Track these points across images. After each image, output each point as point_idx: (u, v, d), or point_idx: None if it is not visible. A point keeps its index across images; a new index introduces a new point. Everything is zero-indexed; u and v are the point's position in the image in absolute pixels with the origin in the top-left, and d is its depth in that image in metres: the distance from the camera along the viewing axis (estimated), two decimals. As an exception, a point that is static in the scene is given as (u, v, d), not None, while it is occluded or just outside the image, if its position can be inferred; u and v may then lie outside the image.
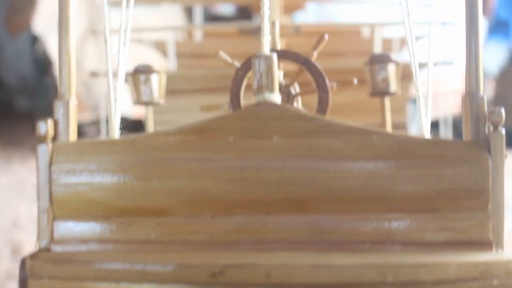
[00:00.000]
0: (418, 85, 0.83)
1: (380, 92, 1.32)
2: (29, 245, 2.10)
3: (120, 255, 0.68)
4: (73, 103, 0.73)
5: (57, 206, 0.70)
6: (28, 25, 3.97)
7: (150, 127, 1.40)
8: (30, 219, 2.37)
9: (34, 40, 4.03)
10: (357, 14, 2.90)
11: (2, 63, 4.34)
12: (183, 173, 0.69)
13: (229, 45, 2.08)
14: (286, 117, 0.68)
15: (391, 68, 1.32)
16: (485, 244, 0.69)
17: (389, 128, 1.34)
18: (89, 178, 0.70)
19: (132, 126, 2.94)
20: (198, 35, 2.31)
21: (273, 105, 0.68)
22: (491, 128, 0.69)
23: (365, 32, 2.17)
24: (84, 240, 0.70)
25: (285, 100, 1.03)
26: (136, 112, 2.83)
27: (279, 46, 1.04)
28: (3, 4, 4.21)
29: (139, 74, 1.35)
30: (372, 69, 1.33)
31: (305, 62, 1.03)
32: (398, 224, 0.69)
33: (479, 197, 0.68)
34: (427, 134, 0.75)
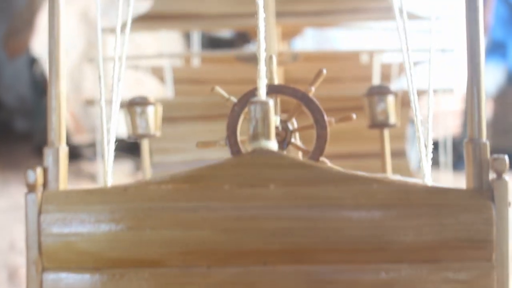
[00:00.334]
0: (419, 127, 0.81)
1: (379, 124, 1.30)
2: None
3: None
4: (63, 150, 0.71)
5: (46, 257, 0.68)
6: (26, 47, 3.97)
7: (146, 161, 1.38)
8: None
9: (33, 62, 4.05)
10: (356, 38, 2.90)
11: (1, 84, 4.34)
12: (177, 223, 0.67)
13: (226, 71, 2.07)
14: (283, 165, 0.66)
15: (391, 100, 1.31)
16: None
17: (388, 160, 1.32)
18: (79, 228, 0.68)
19: (129, 147, 2.92)
20: (195, 60, 2.30)
21: (269, 153, 0.66)
22: (495, 175, 0.67)
23: (364, 58, 2.16)
24: None
25: (282, 136, 1.02)
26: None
27: (276, 80, 1.03)
28: (2, 26, 4.22)
29: (135, 106, 1.33)
30: (371, 101, 1.31)
31: (302, 98, 1.01)
32: (399, 275, 0.66)
33: (482, 248, 0.66)
34: (429, 181, 0.73)
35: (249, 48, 3.51)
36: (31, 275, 0.68)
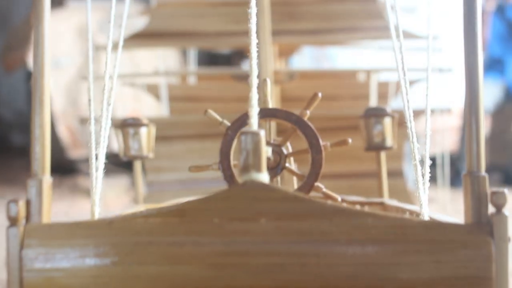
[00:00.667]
0: (416, 155, 0.79)
1: (376, 147, 1.28)
2: None
3: None
4: (47, 181, 0.68)
5: None
6: (23, 62, 3.96)
7: (138, 182, 1.36)
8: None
9: (29, 76, 4.02)
10: (354, 55, 2.89)
11: (-2, 99, 4.32)
12: (164, 258, 0.64)
13: (222, 89, 2.06)
14: (275, 198, 0.64)
15: (387, 122, 1.28)
16: None
17: (385, 183, 1.30)
18: (63, 263, 0.65)
19: (126, 163, 2.89)
20: (191, 78, 2.29)
21: (260, 185, 0.63)
22: (494, 210, 0.64)
23: (361, 77, 2.15)
24: None
25: (277, 160, 0.99)
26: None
27: (270, 103, 1.00)
28: (-1, 42, 4.21)
29: (128, 127, 1.31)
30: (368, 123, 1.29)
31: (297, 122, 0.99)
32: None
33: (481, 285, 0.63)
34: (426, 215, 0.71)
35: (245, 65, 3.51)
36: None
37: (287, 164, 0.98)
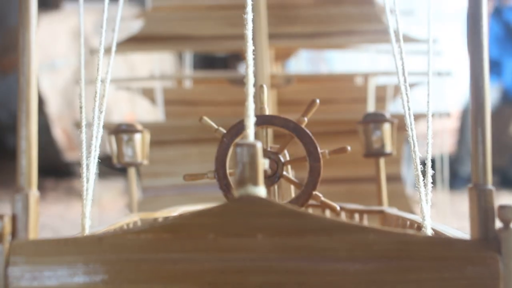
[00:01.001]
0: (417, 165, 0.76)
1: (375, 153, 1.25)
2: None
3: None
4: (33, 195, 0.65)
5: None
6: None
7: (133, 189, 1.33)
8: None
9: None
10: (351, 58, 2.87)
11: (-6, 101, 4.30)
12: (157, 277, 0.61)
13: (218, 92, 2.03)
14: (272, 213, 0.61)
15: (386, 128, 1.25)
16: None
17: (384, 191, 1.27)
18: (50, 281, 0.62)
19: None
20: (187, 81, 2.26)
21: (257, 200, 0.60)
22: (501, 225, 0.61)
23: (359, 80, 2.13)
24: None
25: (274, 168, 0.96)
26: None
27: (267, 110, 0.98)
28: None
29: (121, 133, 1.28)
30: (366, 128, 1.26)
31: (295, 129, 0.96)
32: None
33: None
34: (429, 227, 0.68)
35: (242, 68, 3.48)
36: None
37: (284, 173, 0.96)
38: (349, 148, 0.97)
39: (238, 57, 3.36)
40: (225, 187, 0.93)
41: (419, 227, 0.88)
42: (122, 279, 0.61)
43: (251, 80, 0.68)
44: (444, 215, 2.12)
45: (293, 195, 0.98)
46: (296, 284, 0.60)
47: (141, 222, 1.16)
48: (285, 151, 0.98)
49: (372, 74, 1.91)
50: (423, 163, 0.81)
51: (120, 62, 3.70)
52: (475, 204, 0.62)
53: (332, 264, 0.61)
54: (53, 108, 3.83)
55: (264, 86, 0.98)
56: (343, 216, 1.23)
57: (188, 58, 2.59)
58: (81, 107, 0.95)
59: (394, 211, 1.12)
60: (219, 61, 3.91)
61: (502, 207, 0.61)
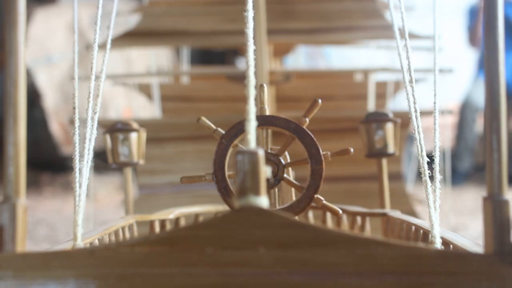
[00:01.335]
0: (425, 169, 0.73)
1: (377, 153, 1.21)
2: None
3: None
4: (21, 205, 0.61)
5: None
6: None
7: (129, 189, 1.29)
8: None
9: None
10: (350, 54, 2.84)
11: (-13, 97, 4.25)
12: None
13: (216, 88, 1.99)
14: (274, 225, 0.57)
15: (389, 127, 1.22)
16: None
17: (386, 191, 1.23)
18: None
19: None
20: (184, 76, 2.22)
21: (258, 211, 0.57)
22: None
23: (358, 76, 2.09)
24: None
25: (274, 171, 0.93)
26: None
27: (267, 110, 0.94)
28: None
29: (117, 132, 1.24)
30: (368, 128, 1.23)
31: (296, 131, 0.93)
32: None
33: None
34: (438, 240, 0.65)
35: (240, 64, 3.44)
36: None
37: (285, 175, 0.92)
38: (352, 150, 0.93)
39: (235, 52, 3.31)
40: (223, 190, 0.90)
41: (425, 233, 0.84)
42: None
43: (252, 81, 0.64)
44: (443, 212, 2.09)
45: (294, 197, 0.95)
46: None
47: (137, 225, 1.12)
48: (286, 153, 0.95)
49: (372, 70, 1.88)
50: (430, 167, 0.78)
51: (116, 57, 3.65)
52: (489, 216, 0.59)
53: (338, 279, 0.57)
54: (50, 103, 3.79)
55: (265, 85, 0.94)
56: (345, 219, 1.20)
57: (185, 52, 2.55)
58: (74, 108, 0.92)
59: (397, 214, 1.09)
60: (216, 56, 3.87)
61: None
